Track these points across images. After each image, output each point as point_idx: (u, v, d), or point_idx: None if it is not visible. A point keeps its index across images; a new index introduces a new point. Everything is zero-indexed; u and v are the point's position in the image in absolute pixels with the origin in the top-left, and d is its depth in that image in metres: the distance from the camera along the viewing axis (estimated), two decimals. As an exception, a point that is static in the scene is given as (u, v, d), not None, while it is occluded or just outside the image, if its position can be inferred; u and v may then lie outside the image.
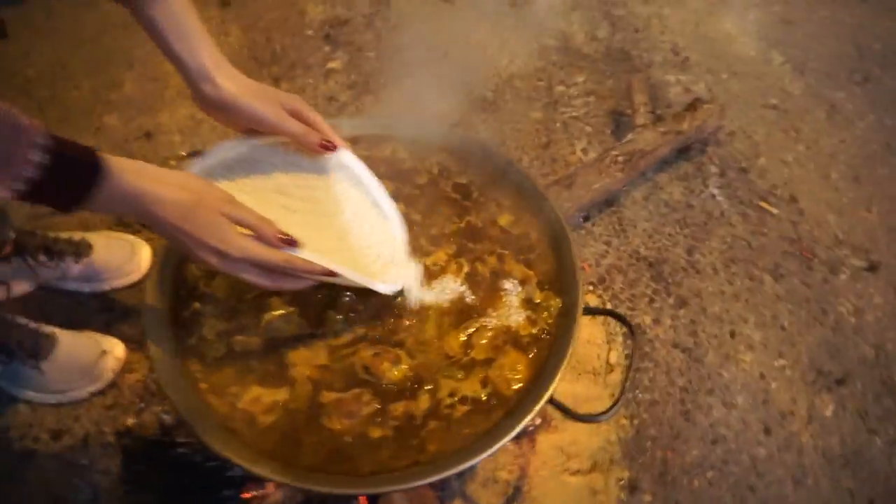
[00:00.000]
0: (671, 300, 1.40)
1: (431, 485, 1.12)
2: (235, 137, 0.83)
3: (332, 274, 0.76)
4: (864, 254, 1.49)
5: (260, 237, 0.72)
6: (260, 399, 0.86)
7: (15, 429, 1.21)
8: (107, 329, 1.33)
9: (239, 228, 0.71)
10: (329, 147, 0.81)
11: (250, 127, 0.81)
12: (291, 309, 0.93)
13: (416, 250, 0.99)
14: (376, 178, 0.88)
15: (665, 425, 1.23)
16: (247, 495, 1.10)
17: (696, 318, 1.37)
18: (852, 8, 2.03)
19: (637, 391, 1.26)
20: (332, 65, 1.84)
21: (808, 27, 1.99)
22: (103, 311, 1.37)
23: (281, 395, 0.87)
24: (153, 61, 1.83)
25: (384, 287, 0.83)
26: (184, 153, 1.61)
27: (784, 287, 1.43)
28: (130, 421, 1.22)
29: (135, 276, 1.41)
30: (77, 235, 1.37)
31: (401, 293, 0.89)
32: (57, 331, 1.23)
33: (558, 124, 1.71)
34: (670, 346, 1.33)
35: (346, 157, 0.84)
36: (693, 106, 1.57)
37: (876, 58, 1.91)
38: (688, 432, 1.22)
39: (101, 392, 1.25)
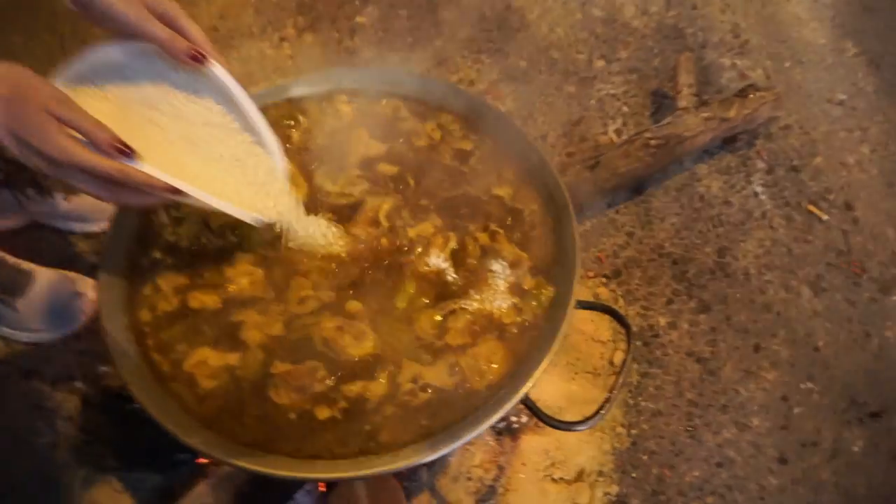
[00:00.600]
0: (692, 304, 1.26)
1: (398, 474, 1.04)
2: (111, 40, 0.75)
3: (177, 192, 0.69)
4: (924, 275, 1.32)
5: (92, 143, 0.64)
6: (206, 362, 0.79)
7: (-11, 363, 1.19)
8: (92, 272, 1.28)
9: (70, 131, 0.63)
10: (197, 58, 0.72)
11: (112, 28, 0.71)
12: (257, 269, 0.85)
13: (401, 220, 0.90)
14: (252, 100, 0.78)
15: (666, 440, 1.11)
16: (202, 461, 1.04)
17: (717, 326, 1.23)
18: (945, -1, 1.81)
19: (640, 398, 1.15)
20: (360, 19, 1.74)
21: (891, 17, 1.78)
22: (92, 252, 1.32)
23: (230, 360, 0.79)
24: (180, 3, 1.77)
25: (242, 214, 0.76)
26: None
27: (824, 302, 1.28)
28: (102, 368, 1.18)
29: (128, 220, 1.36)
30: (72, 172, 1.32)
31: (272, 227, 0.81)
32: (35, 268, 1.19)
33: (593, 101, 1.57)
34: (684, 353, 1.20)
35: (219, 72, 0.75)
36: (745, 92, 1.41)
37: (966, 57, 1.69)
38: (691, 450, 1.10)
39: (77, 336, 1.21)
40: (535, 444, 1.06)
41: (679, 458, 1.09)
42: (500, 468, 1.04)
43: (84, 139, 0.63)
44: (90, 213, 1.33)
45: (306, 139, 1.00)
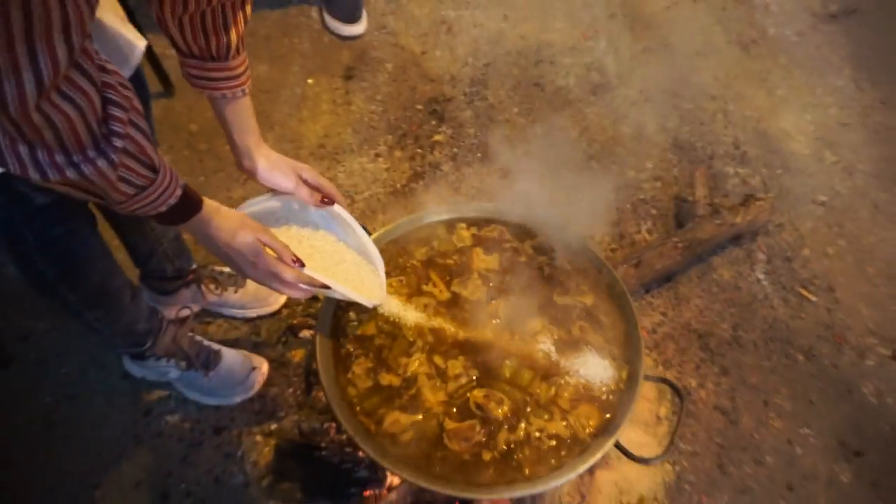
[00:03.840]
0: (715, 368, 1.65)
1: (518, 501, 1.41)
2: (267, 193, 1.16)
3: (326, 287, 1.07)
4: (891, 344, 1.71)
5: (280, 257, 1.00)
6: (399, 421, 1.17)
7: (187, 422, 1.56)
8: (254, 349, 1.68)
9: (267, 250, 0.99)
10: (327, 203, 1.14)
11: (270, 186, 1.13)
12: (423, 356, 1.24)
13: (513, 315, 1.29)
14: (360, 225, 1.21)
15: (702, 473, 1.48)
16: (367, 493, 1.40)
17: (735, 385, 1.62)
18: (904, 115, 2.26)
19: (680, 443, 1.53)
20: (437, 137, 2.18)
21: (861, 131, 2.22)
22: (252, 333, 1.72)
23: (415, 419, 1.17)
24: (290, 125, 2.21)
25: (364, 300, 1.15)
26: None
27: (816, 366, 1.67)
28: (273, 426, 1.56)
29: (275, 307, 1.77)
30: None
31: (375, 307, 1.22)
32: (222, 348, 1.59)
33: (628, 205, 2.00)
34: (712, 407, 1.58)
35: (339, 210, 1.17)
36: (747, 201, 1.84)
37: (922, 164, 2.13)
38: (721, 482, 1.47)
39: (251, 400, 1.59)
40: (607, 477, 1.44)
41: (712, 487, 1.46)
42: (583, 496, 1.42)
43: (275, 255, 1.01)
44: (250, 302, 1.73)
45: (441, 256, 1.40)
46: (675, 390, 1.23)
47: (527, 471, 1.12)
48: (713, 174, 2.07)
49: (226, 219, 0.96)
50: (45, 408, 1.58)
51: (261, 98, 2.29)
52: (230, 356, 1.60)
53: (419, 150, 2.15)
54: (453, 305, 1.32)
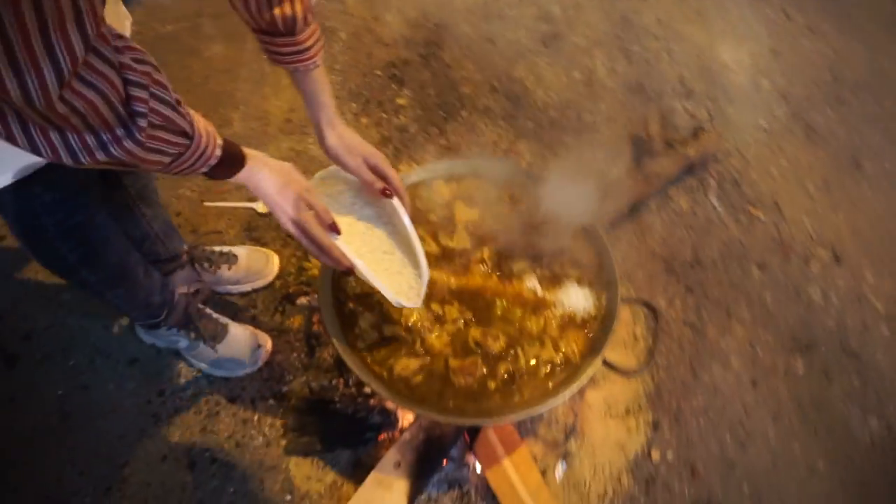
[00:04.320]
0: (681, 288, 1.82)
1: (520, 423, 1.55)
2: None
3: (353, 268, 1.09)
4: (831, 248, 1.91)
5: (318, 219, 1.02)
6: (409, 366, 1.28)
7: (201, 397, 1.64)
8: (253, 322, 1.76)
9: (310, 210, 1.02)
10: (386, 194, 1.15)
11: (340, 165, 1.16)
12: (422, 307, 1.35)
13: (500, 260, 1.41)
14: (413, 226, 1.21)
15: (678, 381, 1.66)
16: (382, 437, 1.53)
17: (700, 301, 1.79)
18: (831, 40, 2.42)
19: (656, 357, 1.69)
20: (400, 101, 2.25)
21: (791, 57, 2.38)
22: (248, 307, 1.80)
23: (423, 362, 1.29)
24: (254, 102, 2.24)
25: (389, 294, 1.15)
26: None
27: (768, 276, 1.85)
28: (284, 388, 1.66)
29: (269, 279, 1.84)
30: (226, 248, 1.79)
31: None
32: (229, 322, 1.66)
33: (586, 147, 2.12)
34: (681, 323, 1.75)
35: (396, 204, 1.18)
36: (697, 134, 1.98)
37: (849, 84, 2.30)
38: (695, 386, 1.65)
39: (259, 368, 1.68)
40: (595, 395, 1.60)
41: (688, 392, 1.64)
42: (575, 413, 1.57)
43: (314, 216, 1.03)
44: (244, 276, 1.80)
45: (425, 213, 1.50)
46: (651, 310, 1.37)
47: (527, 395, 1.26)
48: (663, 111, 2.20)
49: (272, 172, 0.99)
50: (59, 400, 1.63)
51: (221, 78, 2.30)
52: (236, 331, 1.67)
53: (384, 115, 2.21)
54: (443, 257, 1.43)
